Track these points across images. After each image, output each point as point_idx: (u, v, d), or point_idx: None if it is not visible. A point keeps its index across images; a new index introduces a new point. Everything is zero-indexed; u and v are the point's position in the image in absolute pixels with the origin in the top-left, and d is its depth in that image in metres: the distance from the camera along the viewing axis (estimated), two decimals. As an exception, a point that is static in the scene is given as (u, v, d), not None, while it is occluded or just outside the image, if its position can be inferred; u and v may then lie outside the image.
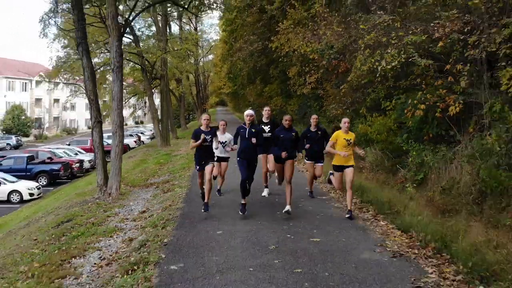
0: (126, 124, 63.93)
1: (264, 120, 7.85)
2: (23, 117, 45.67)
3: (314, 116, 8.06)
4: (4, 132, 43.57)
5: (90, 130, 41.94)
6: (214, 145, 7.06)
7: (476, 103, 9.26)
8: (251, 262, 4.66)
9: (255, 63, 27.18)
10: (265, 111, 7.95)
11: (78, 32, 9.07)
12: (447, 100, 9.40)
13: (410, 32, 9.74)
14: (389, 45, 10.00)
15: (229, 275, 4.29)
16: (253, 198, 7.56)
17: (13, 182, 19.21)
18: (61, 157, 24.93)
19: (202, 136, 6.67)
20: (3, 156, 24.49)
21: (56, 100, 55.22)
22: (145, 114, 78.76)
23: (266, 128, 7.64)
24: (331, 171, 7.76)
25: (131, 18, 11.19)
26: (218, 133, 7.39)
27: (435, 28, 9.29)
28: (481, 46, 7.79)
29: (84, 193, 11.02)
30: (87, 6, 12.66)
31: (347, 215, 6.65)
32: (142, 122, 75.14)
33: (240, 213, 6.64)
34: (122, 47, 10.63)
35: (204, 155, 6.90)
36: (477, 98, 9.21)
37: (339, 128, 7.36)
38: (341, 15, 14.82)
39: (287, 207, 6.62)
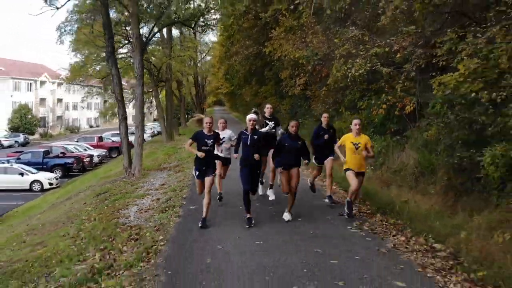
0: (126, 123, 66.62)
1: (267, 116, 8.00)
2: (29, 116, 48.15)
3: (324, 115, 8.03)
4: (12, 130, 46.05)
5: (91, 128, 44.80)
6: (216, 150, 6.81)
7: (427, 103, 11.96)
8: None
9: (251, 65, 29.59)
10: (267, 108, 8.12)
11: (108, 48, 11.64)
12: (404, 101, 12.11)
13: (376, 45, 12.40)
14: (358, 56, 12.66)
15: (229, 209, 6.95)
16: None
17: (34, 173, 21.79)
18: (73, 152, 27.49)
19: (200, 153, 6.28)
20: (20, 151, 27.04)
21: (60, 100, 57.77)
22: (144, 113, 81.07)
23: (271, 124, 7.78)
24: (348, 199, 6.88)
25: (149, 36, 13.77)
26: (217, 131, 7.24)
27: (395, 42, 11.96)
28: (412, 62, 10.46)
29: (109, 176, 13.65)
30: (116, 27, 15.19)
31: (346, 216, 6.59)
32: (141, 121, 77.68)
33: (246, 226, 6.26)
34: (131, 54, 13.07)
35: (205, 160, 6.42)
36: (427, 99, 11.91)
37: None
38: (322, 28, 17.48)
39: (287, 215, 6.57)
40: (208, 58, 51.65)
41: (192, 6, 15.15)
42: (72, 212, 9.09)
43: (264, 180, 8.17)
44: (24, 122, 47.09)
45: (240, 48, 28.21)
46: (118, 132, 41.28)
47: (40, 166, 23.85)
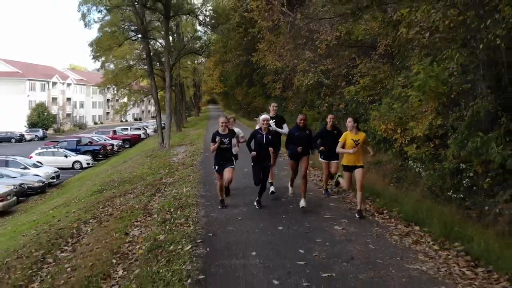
0: (127, 121, 73.98)
1: (271, 115, 8.21)
2: (45, 114, 55.39)
3: (330, 116, 8.41)
4: (30, 126, 53.29)
5: (96, 125, 53.98)
6: (234, 150, 7.71)
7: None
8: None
9: (241, 71, 36.88)
10: (272, 107, 8.47)
11: (148, 69, 19.12)
12: (339, 102, 19.78)
13: (322, 64, 20.04)
14: (310, 71, 20.32)
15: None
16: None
17: (75, 155, 29.20)
18: (97, 141, 34.91)
19: (218, 139, 7.14)
20: (56, 141, 34.48)
21: (68, 99, 65.12)
22: (142, 111, 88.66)
23: (272, 123, 7.94)
24: (339, 173, 8.25)
25: (174, 62, 21.45)
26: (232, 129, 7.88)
27: (330, 64, 19.60)
28: (330, 78, 18.15)
29: (146, 151, 21.23)
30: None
31: (357, 215, 6.86)
32: (140, 119, 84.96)
33: (257, 208, 7.41)
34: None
35: (223, 157, 7.35)
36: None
37: None
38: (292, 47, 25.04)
39: (302, 202, 7.26)
40: (203, 59, 58.89)
41: (201, 40, 22.74)
42: (137, 163, 16.66)
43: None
44: (41, 119, 54.34)
45: (232, 58, 35.49)
46: (126, 127, 48.64)
47: (74, 152, 31.18)
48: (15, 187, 18.23)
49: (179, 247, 5.41)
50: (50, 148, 30.24)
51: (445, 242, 5.62)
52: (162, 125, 20.78)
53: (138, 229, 6.89)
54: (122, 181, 13.63)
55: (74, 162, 28.70)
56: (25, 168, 22.87)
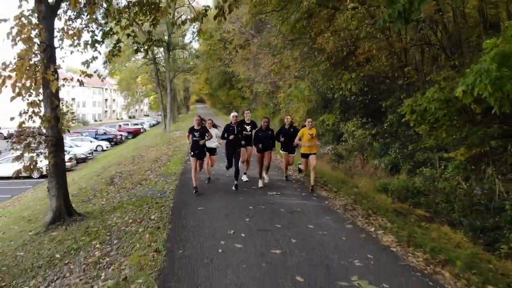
0: (122, 118, 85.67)
1: (246, 121, 10.06)
2: (56, 111, 67.33)
3: (288, 117, 10.53)
4: (44, 122, 65.21)
5: (96, 122, 69.17)
6: (202, 142, 9.46)
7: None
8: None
9: (222, 77, 49.15)
10: (246, 114, 10.25)
11: (156, 81, 31.42)
12: (279, 103, 32.58)
13: (269, 79, 32.85)
14: (262, 82, 33.14)
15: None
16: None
17: (97, 141, 41.47)
18: (110, 132, 47.19)
19: (189, 142, 9.61)
20: (80, 132, 46.88)
21: (73, 99, 77.08)
22: (136, 110, 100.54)
23: (248, 128, 10.00)
24: (299, 162, 10.67)
25: (172, 78, 34.06)
26: (206, 128, 9.82)
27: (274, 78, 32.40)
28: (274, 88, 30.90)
29: (155, 134, 33.88)
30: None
31: (310, 189, 9.40)
32: (134, 117, 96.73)
33: (234, 189, 9.59)
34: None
35: (195, 147, 9.48)
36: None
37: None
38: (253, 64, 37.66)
39: (261, 183, 10.03)
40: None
41: (189, 64, 35.49)
42: (151, 139, 29.14)
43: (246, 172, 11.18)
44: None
45: (214, 67, 47.74)
46: (127, 123, 61.84)
47: (95, 139, 43.37)
48: (73, 155, 30.56)
49: (183, 150, 18.06)
50: (78, 136, 42.64)
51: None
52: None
53: (165, 152, 19.46)
54: (147, 145, 26.09)
55: (97, 145, 41.01)
56: (71, 146, 35.17)
